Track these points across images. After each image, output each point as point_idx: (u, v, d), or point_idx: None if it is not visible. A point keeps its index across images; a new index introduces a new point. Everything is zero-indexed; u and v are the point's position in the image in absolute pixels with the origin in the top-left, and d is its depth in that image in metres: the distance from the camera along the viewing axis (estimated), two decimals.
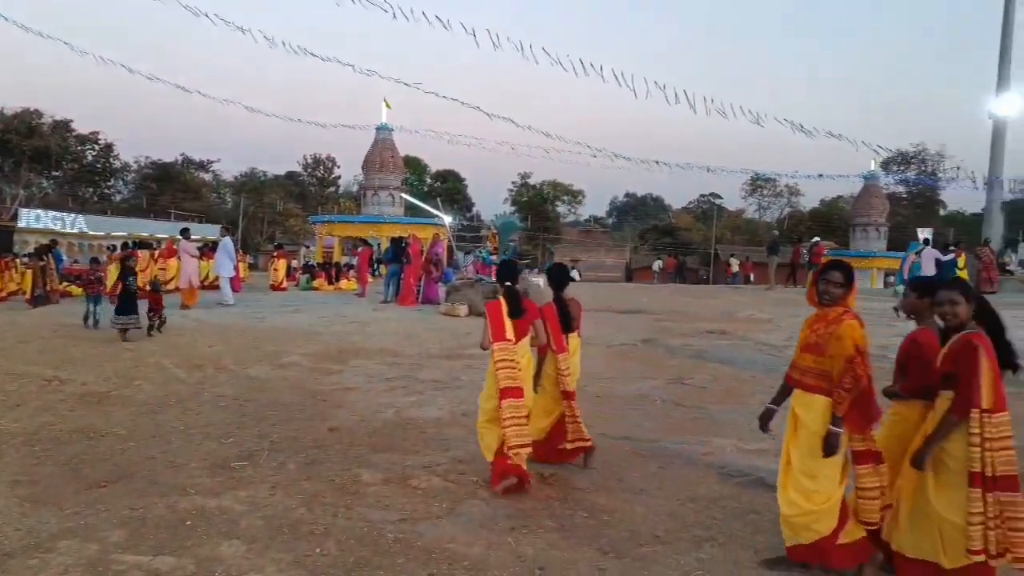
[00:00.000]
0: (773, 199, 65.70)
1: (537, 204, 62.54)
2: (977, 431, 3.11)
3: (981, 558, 3.10)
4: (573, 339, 5.17)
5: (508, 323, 4.59)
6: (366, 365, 8.82)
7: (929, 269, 17.47)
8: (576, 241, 50.06)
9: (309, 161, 67.84)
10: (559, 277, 5.29)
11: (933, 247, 19.05)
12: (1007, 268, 25.97)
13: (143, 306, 10.23)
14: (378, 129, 25.19)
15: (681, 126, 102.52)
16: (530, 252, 51.32)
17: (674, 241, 55.30)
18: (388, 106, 25.22)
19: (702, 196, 70.10)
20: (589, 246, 48.09)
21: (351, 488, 4.57)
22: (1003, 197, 30.09)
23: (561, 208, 67.74)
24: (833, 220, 52.72)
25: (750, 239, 54.22)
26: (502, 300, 4.68)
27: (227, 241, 15.83)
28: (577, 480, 4.81)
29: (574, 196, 67.79)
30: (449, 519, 4.13)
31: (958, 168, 47.52)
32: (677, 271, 37.14)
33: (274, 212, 56.89)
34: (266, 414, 6.37)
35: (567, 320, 5.05)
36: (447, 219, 26.05)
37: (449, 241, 23.99)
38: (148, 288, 10.92)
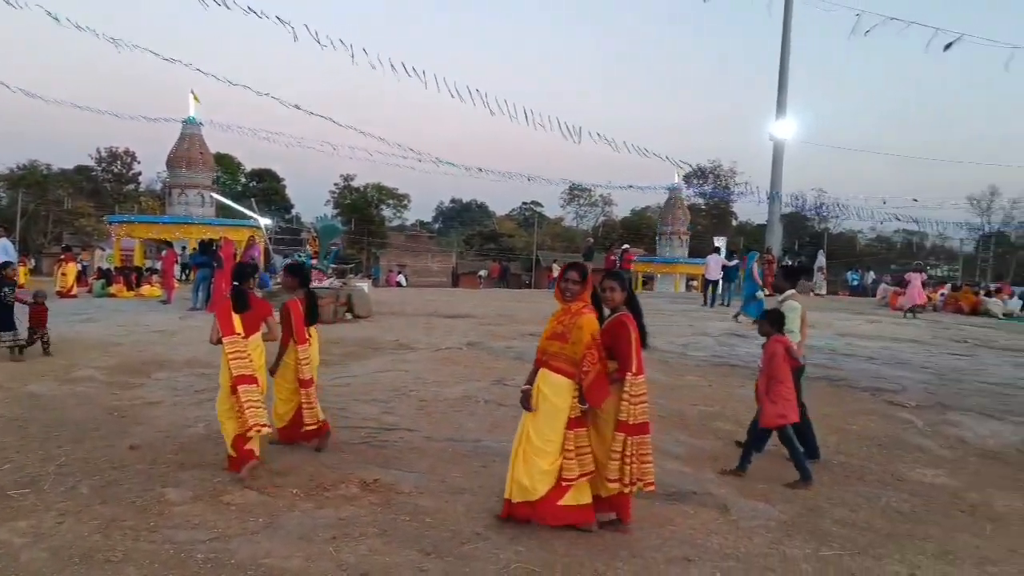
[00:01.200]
0: (589, 208, 69.76)
1: (361, 207, 61.33)
2: (627, 390, 3.97)
3: (617, 487, 3.98)
4: (312, 330, 5.64)
5: (236, 318, 4.97)
6: (173, 377, 8.20)
7: (716, 273, 19.72)
8: (402, 246, 49.49)
9: (103, 155, 61.71)
10: (303, 276, 5.92)
11: (720, 254, 21.59)
12: None
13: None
14: (185, 123, 23.38)
15: (504, 135, 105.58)
16: (355, 256, 50.18)
17: (498, 247, 56.84)
18: (196, 99, 23.49)
19: (524, 204, 72.85)
20: (415, 251, 47.73)
21: (155, 509, 4.24)
22: (782, 210, 34.01)
23: (386, 212, 67.03)
24: (642, 228, 56.83)
25: (568, 245, 57.06)
26: (229, 299, 5.05)
27: (5, 243, 14.14)
28: (401, 485, 4.81)
29: (399, 200, 67.35)
30: (266, 533, 3.96)
31: (746, 183, 53.17)
32: (501, 276, 38.26)
33: (61, 210, 50.96)
34: (52, 435, 5.73)
35: (313, 314, 5.59)
36: (264, 221, 24.72)
37: (266, 244, 22.88)
38: (32, 300, 9.46)
